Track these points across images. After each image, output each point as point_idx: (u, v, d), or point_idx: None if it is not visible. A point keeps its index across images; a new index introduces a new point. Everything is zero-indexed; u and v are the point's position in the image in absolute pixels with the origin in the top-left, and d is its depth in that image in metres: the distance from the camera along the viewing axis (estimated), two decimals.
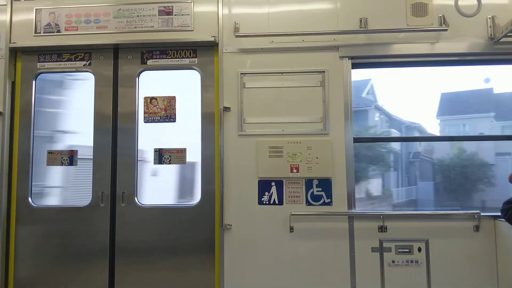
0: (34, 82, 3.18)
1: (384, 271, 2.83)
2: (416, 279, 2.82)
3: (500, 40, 2.88)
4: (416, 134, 3.69)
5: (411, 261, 2.83)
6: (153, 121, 3.10)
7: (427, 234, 2.85)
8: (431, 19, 2.95)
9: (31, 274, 3.05)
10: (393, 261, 2.84)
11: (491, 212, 2.86)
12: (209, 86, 3.09)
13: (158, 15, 3.10)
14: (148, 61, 3.14)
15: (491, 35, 2.92)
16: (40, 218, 3.07)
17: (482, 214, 2.81)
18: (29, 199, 3.08)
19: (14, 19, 3.18)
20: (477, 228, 2.82)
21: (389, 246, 2.84)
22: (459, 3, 2.55)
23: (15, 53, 3.19)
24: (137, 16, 3.11)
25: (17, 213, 3.07)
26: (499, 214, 2.69)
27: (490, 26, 2.92)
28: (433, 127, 3.67)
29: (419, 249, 2.83)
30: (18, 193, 3.09)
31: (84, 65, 3.18)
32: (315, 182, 2.90)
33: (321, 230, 2.87)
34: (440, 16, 2.93)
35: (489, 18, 2.92)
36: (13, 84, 3.16)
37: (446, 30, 2.89)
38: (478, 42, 2.94)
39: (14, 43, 3.14)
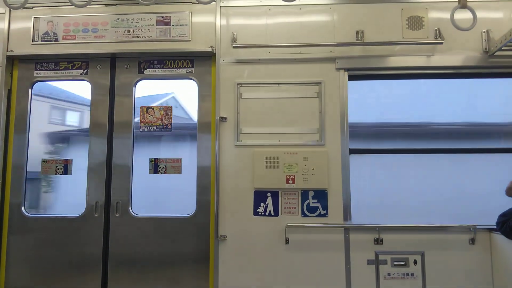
0: (30, 90, 3.18)
1: (380, 284, 2.81)
2: None
3: (495, 54, 2.92)
4: None
5: (407, 274, 2.82)
6: (149, 130, 3.10)
7: (422, 246, 2.84)
8: (427, 32, 2.99)
9: (22, 285, 3.00)
10: (389, 274, 2.82)
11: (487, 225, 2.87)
12: (206, 96, 3.09)
13: (156, 25, 3.12)
14: (145, 70, 3.15)
15: (485, 48, 2.96)
16: (33, 228, 3.04)
17: (477, 227, 2.81)
18: (22, 208, 3.05)
19: (12, 27, 3.19)
20: (472, 241, 2.82)
21: (384, 258, 2.83)
22: (455, 17, 2.57)
23: (12, 61, 3.19)
24: (135, 25, 3.12)
25: (10, 222, 3.04)
26: (495, 227, 2.70)
27: (485, 40, 2.96)
28: None
29: (415, 262, 2.82)
30: (12, 202, 3.06)
31: (81, 74, 3.18)
32: (311, 194, 2.90)
33: (317, 242, 2.86)
34: (436, 30, 2.97)
35: (484, 32, 2.96)
36: (9, 92, 3.16)
37: (442, 43, 2.93)
38: (473, 56, 2.97)
39: (11, 51, 3.14)
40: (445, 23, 2.93)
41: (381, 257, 2.83)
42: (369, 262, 2.83)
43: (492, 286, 2.78)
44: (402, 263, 2.82)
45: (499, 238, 2.72)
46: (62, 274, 2.98)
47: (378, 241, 2.83)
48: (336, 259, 2.83)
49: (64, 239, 3.00)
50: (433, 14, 3.01)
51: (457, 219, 2.89)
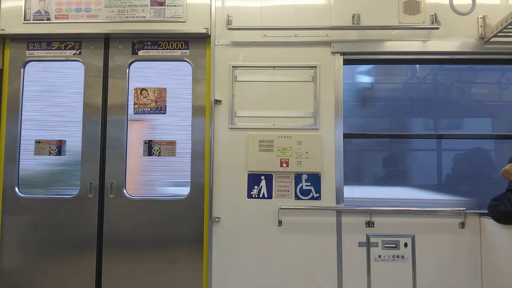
0: (22, 70, 3.13)
1: (370, 266, 2.86)
2: (402, 274, 2.86)
3: (490, 40, 2.91)
4: None
5: (397, 256, 2.87)
6: (143, 112, 3.08)
7: (413, 230, 2.88)
8: (423, 17, 2.97)
9: (17, 265, 3.02)
10: (379, 256, 2.87)
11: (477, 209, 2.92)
12: (201, 79, 3.07)
13: (150, 5, 3.07)
14: (139, 51, 3.11)
15: (481, 34, 2.95)
16: (27, 208, 3.04)
17: (468, 211, 2.86)
18: (16, 189, 3.05)
19: (2, 5, 3.12)
20: (462, 225, 2.86)
21: (376, 241, 2.87)
22: (454, 2, 2.56)
23: (3, 40, 3.14)
24: (129, 5, 3.07)
25: (3, 203, 3.04)
26: (485, 211, 2.75)
27: (481, 26, 2.95)
28: None
29: (405, 245, 2.87)
30: (5, 182, 3.05)
31: (74, 54, 3.13)
32: (304, 177, 2.92)
33: (309, 224, 2.89)
34: (432, 15, 2.96)
35: (480, 17, 2.95)
36: (1, 72, 3.11)
37: (438, 28, 2.91)
38: (469, 42, 2.96)
39: (2, 30, 3.08)
40: (441, 8, 2.92)
41: (372, 239, 2.88)
42: (360, 244, 2.88)
43: (480, 269, 2.85)
44: (393, 245, 2.87)
45: (488, 222, 2.77)
46: (56, 255, 3.00)
47: (370, 224, 2.87)
48: (328, 241, 2.88)
49: (58, 220, 3.01)
50: None
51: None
